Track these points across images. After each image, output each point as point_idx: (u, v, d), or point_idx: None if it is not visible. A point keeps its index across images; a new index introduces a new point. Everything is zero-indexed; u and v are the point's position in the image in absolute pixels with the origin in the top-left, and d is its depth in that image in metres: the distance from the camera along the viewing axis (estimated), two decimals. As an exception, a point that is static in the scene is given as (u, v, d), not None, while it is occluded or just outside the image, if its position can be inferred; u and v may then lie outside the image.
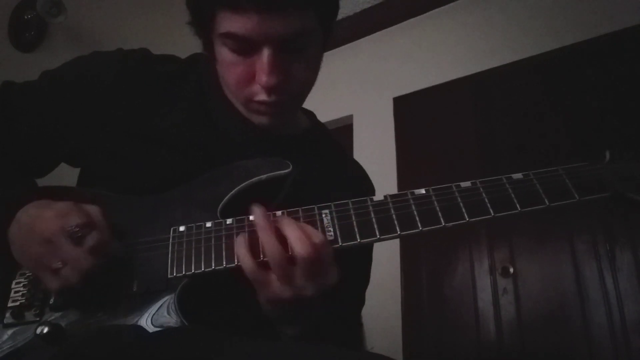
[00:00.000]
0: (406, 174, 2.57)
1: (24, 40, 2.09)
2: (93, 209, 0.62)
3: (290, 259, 0.58)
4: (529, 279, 2.07)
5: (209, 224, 0.65)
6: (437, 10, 2.80)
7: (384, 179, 2.54)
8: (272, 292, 0.59)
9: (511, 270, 2.11)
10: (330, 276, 0.59)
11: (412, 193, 0.65)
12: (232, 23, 0.62)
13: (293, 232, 0.58)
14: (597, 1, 2.28)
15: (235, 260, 0.62)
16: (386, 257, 2.37)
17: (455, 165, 2.41)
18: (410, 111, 2.71)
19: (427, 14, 2.84)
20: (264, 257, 0.59)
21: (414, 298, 2.32)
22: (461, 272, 2.24)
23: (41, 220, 0.60)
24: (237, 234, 0.63)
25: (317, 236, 0.59)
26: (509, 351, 2.03)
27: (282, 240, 0.59)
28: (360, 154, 2.77)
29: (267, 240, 0.58)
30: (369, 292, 0.86)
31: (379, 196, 0.66)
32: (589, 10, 2.29)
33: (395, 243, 2.41)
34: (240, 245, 0.60)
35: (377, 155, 2.67)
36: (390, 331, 2.28)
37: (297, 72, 0.69)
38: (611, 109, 2.08)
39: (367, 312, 0.89)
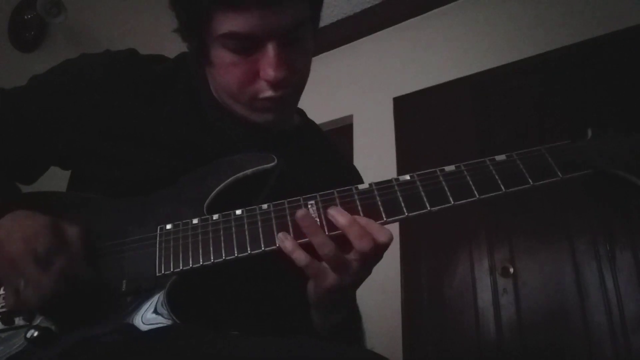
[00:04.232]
0: (406, 174, 2.56)
1: (24, 40, 2.09)
2: (71, 230, 0.61)
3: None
4: (529, 279, 2.07)
5: (195, 221, 0.65)
6: (437, 10, 2.80)
7: (384, 179, 2.53)
8: (330, 281, 0.61)
9: (511, 270, 2.11)
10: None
11: (397, 179, 0.65)
12: (233, 22, 0.62)
13: (353, 229, 0.60)
14: (597, 1, 2.28)
15: (223, 255, 0.62)
16: (386, 257, 2.35)
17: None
18: (410, 111, 2.71)
19: (427, 14, 2.84)
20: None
21: (414, 298, 2.32)
22: (461, 272, 2.24)
23: (10, 241, 0.59)
24: (227, 227, 0.63)
25: (381, 234, 0.60)
26: (509, 351, 2.03)
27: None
28: (360, 154, 2.77)
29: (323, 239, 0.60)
30: (369, 292, 0.86)
31: (364, 185, 0.66)
32: (588, 11, 2.29)
33: (395, 243, 2.40)
34: (289, 242, 0.60)
35: (377, 155, 2.67)
36: (390, 331, 2.28)
37: (298, 64, 0.69)
38: (610, 109, 2.08)
39: (367, 312, 0.89)
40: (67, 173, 0.82)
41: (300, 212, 0.61)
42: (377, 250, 0.60)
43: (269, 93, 0.68)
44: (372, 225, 0.61)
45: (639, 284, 1.83)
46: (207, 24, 0.64)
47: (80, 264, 0.61)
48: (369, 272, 0.63)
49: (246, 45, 0.65)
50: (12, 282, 0.59)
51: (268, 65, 0.65)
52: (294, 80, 0.69)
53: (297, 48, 0.68)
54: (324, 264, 0.61)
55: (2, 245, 0.59)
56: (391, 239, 0.61)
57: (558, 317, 1.95)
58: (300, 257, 0.59)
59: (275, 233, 0.62)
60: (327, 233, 0.61)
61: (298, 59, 0.69)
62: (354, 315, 0.76)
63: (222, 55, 0.67)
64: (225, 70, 0.68)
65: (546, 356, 1.95)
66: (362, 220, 0.61)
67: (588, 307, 1.90)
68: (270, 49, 0.64)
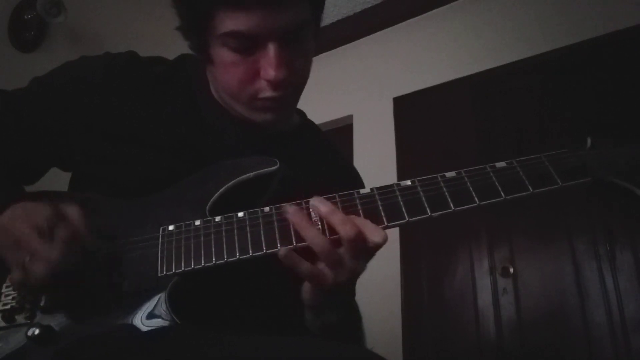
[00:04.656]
0: (406, 174, 2.56)
1: (24, 40, 2.09)
2: (68, 207, 0.62)
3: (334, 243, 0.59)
4: (529, 279, 2.07)
5: (197, 222, 0.65)
6: (436, 10, 2.80)
7: (384, 179, 2.51)
8: (327, 281, 0.60)
9: (511, 270, 2.11)
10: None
11: (398, 185, 0.66)
12: (235, 21, 0.62)
13: (336, 216, 0.59)
14: (596, 1, 2.28)
15: (225, 257, 0.62)
16: (386, 257, 2.37)
17: (455, 165, 2.37)
18: (410, 111, 2.71)
19: (426, 14, 2.84)
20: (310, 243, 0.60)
21: (414, 298, 2.32)
22: (461, 272, 2.24)
23: (13, 221, 0.61)
24: (229, 230, 0.64)
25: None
26: (509, 351, 2.03)
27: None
28: (360, 154, 2.77)
29: (313, 231, 0.60)
30: (369, 292, 0.87)
31: (365, 189, 0.67)
32: (587, 11, 2.29)
33: (395, 243, 2.41)
34: (290, 254, 0.60)
35: (377, 155, 2.67)
36: (390, 331, 2.28)
37: (298, 64, 0.69)
38: (610, 109, 2.08)
39: (367, 312, 0.89)
40: (69, 174, 0.82)
41: (291, 209, 0.61)
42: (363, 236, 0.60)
43: (269, 93, 0.68)
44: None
45: (639, 284, 1.84)
46: (208, 23, 0.65)
47: (83, 233, 0.61)
48: (363, 268, 0.62)
49: (247, 45, 0.65)
50: (18, 259, 0.59)
51: (269, 65, 0.65)
52: (294, 81, 0.70)
53: (297, 48, 0.68)
54: (321, 265, 0.60)
55: (7, 230, 0.60)
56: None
57: (558, 317, 1.95)
58: (304, 267, 0.59)
59: (277, 236, 0.62)
60: (327, 236, 0.60)
61: (299, 59, 0.69)
62: (350, 317, 0.76)
63: (223, 54, 0.67)
64: (225, 69, 0.68)
65: (546, 356, 1.95)
66: None
67: (588, 307, 1.90)
68: (271, 49, 0.64)
